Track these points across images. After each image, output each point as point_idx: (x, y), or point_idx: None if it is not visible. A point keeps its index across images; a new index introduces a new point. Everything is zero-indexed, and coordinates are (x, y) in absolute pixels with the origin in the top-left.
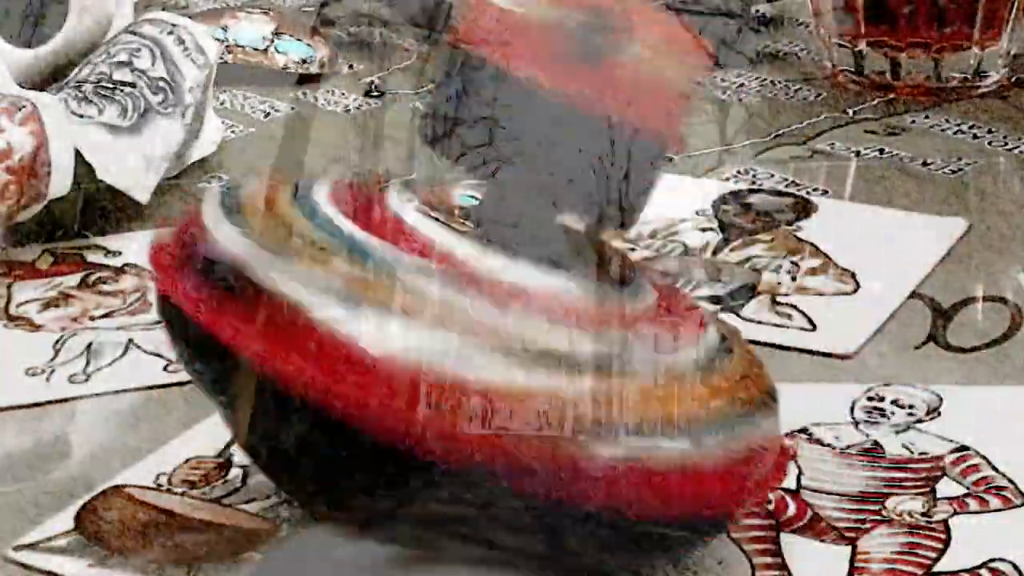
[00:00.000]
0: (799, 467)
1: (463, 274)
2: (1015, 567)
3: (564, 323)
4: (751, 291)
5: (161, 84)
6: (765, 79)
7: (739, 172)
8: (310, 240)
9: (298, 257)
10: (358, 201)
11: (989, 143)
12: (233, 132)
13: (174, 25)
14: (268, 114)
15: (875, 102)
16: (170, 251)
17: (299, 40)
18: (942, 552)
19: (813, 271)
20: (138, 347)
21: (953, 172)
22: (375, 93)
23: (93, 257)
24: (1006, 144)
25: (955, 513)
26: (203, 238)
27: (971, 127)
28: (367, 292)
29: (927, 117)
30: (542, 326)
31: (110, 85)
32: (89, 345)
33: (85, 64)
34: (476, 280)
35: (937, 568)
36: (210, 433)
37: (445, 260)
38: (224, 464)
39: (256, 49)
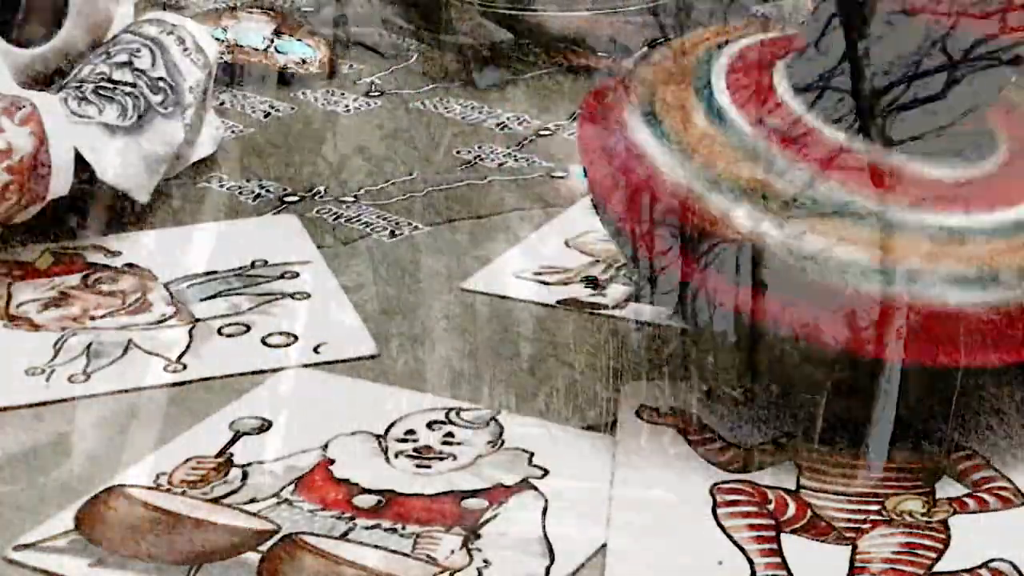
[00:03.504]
0: (799, 467)
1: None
2: (1015, 567)
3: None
4: None
5: (161, 84)
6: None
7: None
8: (719, 146)
9: (707, 164)
10: (752, 92)
11: None
12: (233, 132)
13: (174, 25)
14: (268, 114)
15: None
16: (592, 132)
17: (299, 40)
18: (942, 552)
19: None
20: (138, 347)
21: None
22: (375, 93)
23: (93, 257)
24: None
25: (955, 513)
26: (621, 133)
27: None
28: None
29: None
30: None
31: (110, 85)
32: (89, 345)
33: (85, 64)
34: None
35: (937, 568)
36: (210, 433)
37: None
38: (224, 464)
39: (256, 49)
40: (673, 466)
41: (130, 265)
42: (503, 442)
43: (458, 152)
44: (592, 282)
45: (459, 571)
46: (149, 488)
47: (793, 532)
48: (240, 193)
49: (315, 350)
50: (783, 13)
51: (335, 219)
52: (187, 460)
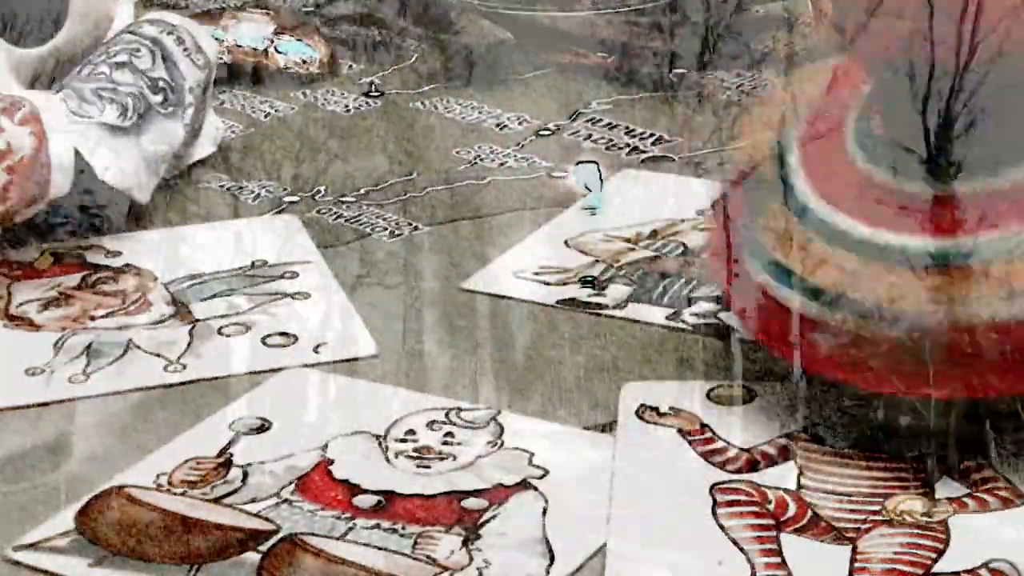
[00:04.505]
0: (799, 467)
1: None
2: (1015, 567)
3: None
4: None
5: (161, 84)
6: (765, 79)
7: (739, 172)
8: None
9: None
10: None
11: None
12: (233, 132)
13: (174, 25)
14: (268, 114)
15: None
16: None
17: (299, 40)
18: (942, 552)
19: None
20: (138, 347)
21: None
22: (375, 93)
23: (93, 257)
24: None
25: (955, 513)
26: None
27: None
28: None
29: None
30: None
31: (110, 85)
32: (89, 345)
33: (85, 64)
34: None
35: (937, 568)
36: (210, 433)
37: None
38: (224, 464)
39: (256, 49)
40: (673, 466)
41: (130, 265)
42: (503, 442)
43: (458, 152)
44: (592, 282)
45: (459, 571)
46: (149, 488)
47: (793, 532)
48: (240, 193)
49: (315, 350)
50: (785, 12)
51: (335, 219)
52: (187, 460)
